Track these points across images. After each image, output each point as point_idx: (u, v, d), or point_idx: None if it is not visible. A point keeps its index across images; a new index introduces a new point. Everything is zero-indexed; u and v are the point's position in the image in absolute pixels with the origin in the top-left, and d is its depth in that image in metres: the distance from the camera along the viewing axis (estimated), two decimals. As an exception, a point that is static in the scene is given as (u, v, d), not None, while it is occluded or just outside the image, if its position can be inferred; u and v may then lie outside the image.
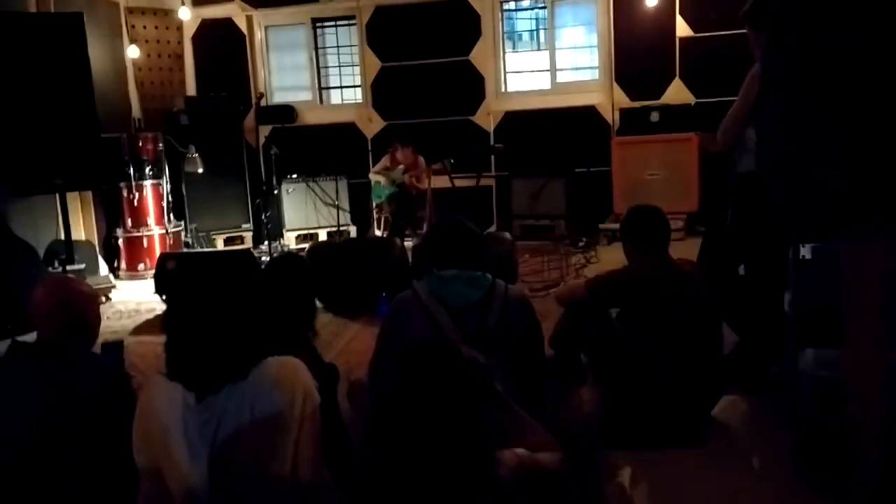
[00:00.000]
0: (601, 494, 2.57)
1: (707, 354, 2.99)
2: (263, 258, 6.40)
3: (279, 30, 8.70)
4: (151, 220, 6.93)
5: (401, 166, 7.34)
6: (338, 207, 7.59)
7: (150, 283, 5.70)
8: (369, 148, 8.27)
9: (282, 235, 7.88)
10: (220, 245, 7.76)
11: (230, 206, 7.92)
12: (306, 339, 2.61)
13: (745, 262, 3.49)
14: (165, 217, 7.05)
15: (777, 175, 1.95)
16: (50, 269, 5.62)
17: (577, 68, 8.28)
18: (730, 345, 3.37)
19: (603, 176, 7.49)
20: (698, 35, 7.34)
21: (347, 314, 5.07)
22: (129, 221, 6.89)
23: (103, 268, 6.49)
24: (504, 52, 8.24)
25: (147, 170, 6.90)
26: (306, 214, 7.92)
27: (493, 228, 7.81)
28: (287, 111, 8.40)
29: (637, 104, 7.54)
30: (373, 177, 7.60)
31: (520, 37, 8.86)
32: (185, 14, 8.00)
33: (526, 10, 8.49)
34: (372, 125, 8.31)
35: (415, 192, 7.29)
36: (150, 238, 6.91)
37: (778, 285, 3.10)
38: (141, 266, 6.84)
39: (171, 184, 7.19)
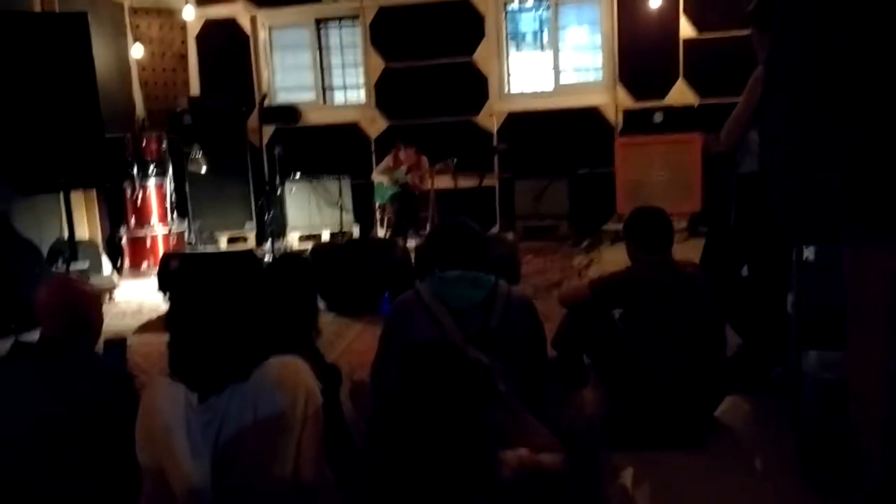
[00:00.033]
0: (603, 495, 2.56)
1: (710, 356, 2.99)
2: (266, 258, 6.40)
3: (283, 30, 8.71)
4: (155, 219, 6.95)
5: (404, 167, 7.34)
6: (341, 208, 7.59)
7: (153, 283, 5.71)
8: (372, 148, 8.26)
9: (285, 235, 7.88)
10: (223, 245, 7.77)
11: (233, 205, 7.93)
12: (309, 338, 2.62)
13: (749, 264, 3.49)
14: (169, 216, 7.07)
15: (780, 177, 1.94)
16: (53, 268, 5.64)
17: (580, 69, 8.27)
18: (733, 346, 3.37)
19: (606, 177, 7.48)
20: (702, 36, 7.33)
21: (350, 314, 5.07)
22: (132, 221, 6.91)
23: (107, 267, 6.50)
24: (507, 53, 8.24)
25: (151, 169, 6.93)
26: (309, 214, 7.92)
27: (495, 229, 7.80)
28: (290, 111, 8.40)
29: (640, 105, 7.53)
30: (376, 177, 7.60)
31: (523, 37, 8.85)
32: (189, 14, 8.01)
33: (529, 10, 8.48)
34: (375, 125, 8.31)
35: (418, 192, 7.29)
36: (153, 237, 6.93)
37: (781, 287, 3.10)
38: (144, 265, 6.87)
39: (174, 183, 7.21)
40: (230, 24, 8.36)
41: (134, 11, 7.69)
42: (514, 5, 8.27)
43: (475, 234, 2.68)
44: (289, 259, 3.27)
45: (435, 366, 1.54)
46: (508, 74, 8.23)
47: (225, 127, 7.76)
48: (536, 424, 2.04)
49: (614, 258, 5.88)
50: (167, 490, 1.78)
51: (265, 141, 8.18)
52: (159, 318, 5.32)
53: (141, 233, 6.90)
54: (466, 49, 8.00)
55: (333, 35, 8.69)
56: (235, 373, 1.77)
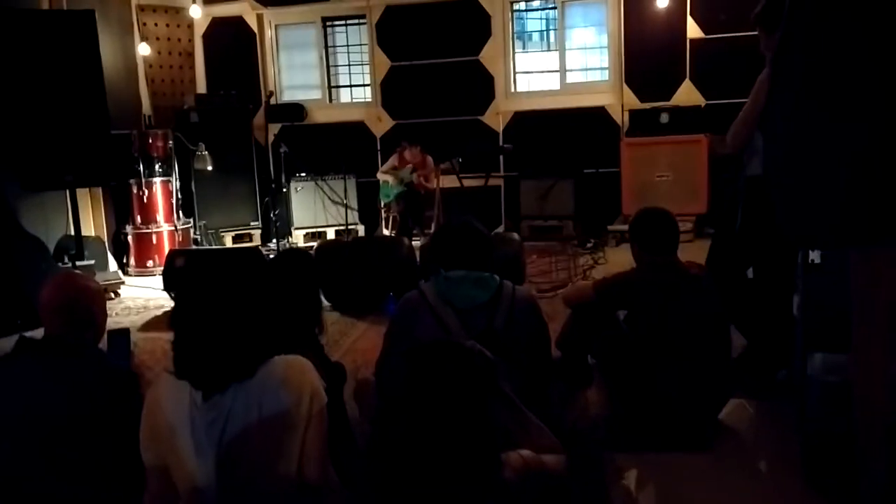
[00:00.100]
0: (606, 497, 2.56)
1: (714, 357, 2.98)
2: (271, 256, 6.42)
3: (289, 28, 8.72)
4: (161, 216, 6.97)
5: (409, 165, 7.34)
6: (346, 206, 7.59)
7: (158, 280, 5.73)
8: (378, 147, 8.27)
9: (290, 233, 7.89)
10: (228, 242, 7.78)
11: (239, 203, 7.95)
12: (313, 336, 2.61)
13: (754, 265, 3.48)
14: (174, 214, 7.08)
15: (784, 181, 1.94)
16: (59, 264, 5.65)
17: (586, 69, 8.27)
18: (738, 348, 3.36)
19: (612, 177, 7.48)
20: (709, 36, 7.31)
21: (354, 313, 5.07)
22: (138, 218, 6.93)
23: (112, 264, 6.52)
24: (514, 53, 8.23)
25: (157, 167, 6.94)
26: (314, 213, 7.93)
27: (501, 229, 7.80)
28: (296, 109, 8.41)
29: (647, 105, 7.52)
30: (381, 176, 7.60)
31: (530, 37, 8.85)
32: (196, 12, 8.03)
33: (536, 10, 8.48)
34: (381, 124, 8.32)
35: (423, 191, 7.29)
36: (159, 235, 6.95)
37: (787, 289, 3.09)
38: (150, 262, 6.88)
39: (180, 181, 7.22)
40: (237, 23, 8.38)
41: (141, 9, 7.71)
42: (521, 5, 8.27)
43: (480, 233, 2.68)
44: (291, 254, 3.27)
45: (440, 365, 1.54)
46: (515, 74, 8.23)
47: (231, 125, 7.78)
48: (539, 426, 2.04)
49: (619, 259, 5.88)
50: (171, 488, 1.79)
51: (271, 139, 8.20)
52: (164, 315, 5.34)
53: (147, 230, 6.91)
54: (473, 48, 8.00)
55: (340, 34, 8.71)
56: (240, 371, 1.77)
